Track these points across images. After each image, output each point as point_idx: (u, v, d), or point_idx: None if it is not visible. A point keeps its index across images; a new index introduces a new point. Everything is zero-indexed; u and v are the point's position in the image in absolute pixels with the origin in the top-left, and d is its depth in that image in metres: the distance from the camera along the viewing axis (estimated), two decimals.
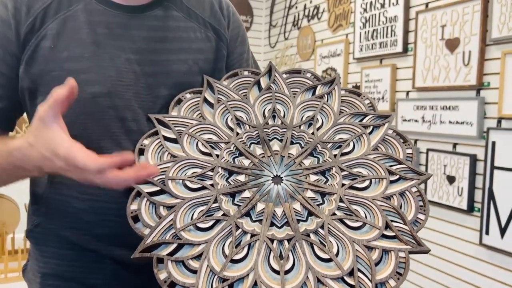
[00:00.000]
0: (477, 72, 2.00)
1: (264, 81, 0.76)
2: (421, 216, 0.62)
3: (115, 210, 0.63)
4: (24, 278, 0.74)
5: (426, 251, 0.59)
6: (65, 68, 0.63)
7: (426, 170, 2.27)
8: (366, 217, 0.61)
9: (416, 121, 2.34)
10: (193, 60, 0.73)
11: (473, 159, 2.05)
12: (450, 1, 2.16)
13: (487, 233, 1.98)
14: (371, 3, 2.71)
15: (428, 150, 2.30)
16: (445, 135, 2.18)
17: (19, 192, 1.30)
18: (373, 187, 0.65)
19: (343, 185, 0.64)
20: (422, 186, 0.72)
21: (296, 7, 3.64)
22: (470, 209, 2.07)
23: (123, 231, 0.61)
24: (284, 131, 0.70)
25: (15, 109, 0.68)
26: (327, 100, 0.74)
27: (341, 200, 0.63)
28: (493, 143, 1.95)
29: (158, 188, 0.62)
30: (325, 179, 0.65)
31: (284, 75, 0.77)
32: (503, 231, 1.91)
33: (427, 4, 2.33)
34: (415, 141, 2.40)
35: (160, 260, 0.57)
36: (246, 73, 0.76)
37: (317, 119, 0.72)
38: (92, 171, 0.50)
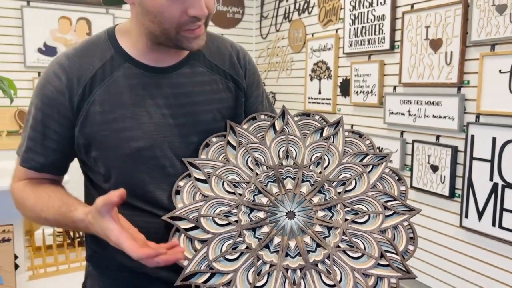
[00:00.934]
0: (458, 71, 2.13)
1: (278, 123, 0.87)
2: (411, 247, 0.75)
3: (161, 240, 0.76)
4: None
5: (414, 278, 0.73)
6: (112, 128, 0.75)
7: (412, 160, 2.44)
8: (365, 248, 0.75)
9: (402, 114, 2.48)
10: (217, 109, 0.84)
11: (454, 150, 2.20)
12: (433, 4, 2.24)
13: (466, 216, 2.16)
14: (359, 1, 2.77)
15: (413, 141, 2.45)
16: (429, 127, 2.32)
17: None
18: (371, 221, 0.78)
19: (346, 220, 0.77)
20: (413, 219, 0.84)
21: (287, 0, 3.67)
22: (452, 195, 2.25)
23: None
24: (296, 171, 0.82)
25: (67, 159, 0.81)
26: (333, 141, 0.85)
27: (344, 234, 0.76)
28: (472, 136, 2.10)
29: (193, 225, 0.76)
30: (331, 214, 0.78)
31: (296, 118, 0.88)
32: (480, 215, 2.09)
33: (412, 5, 2.40)
34: (402, 132, 2.53)
35: (197, 286, 0.71)
36: (263, 116, 0.88)
37: (324, 159, 0.84)
38: (134, 258, 0.63)
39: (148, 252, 0.62)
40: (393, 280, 0.72)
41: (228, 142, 0.84)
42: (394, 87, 2.56)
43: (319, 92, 3.25)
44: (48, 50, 3.49)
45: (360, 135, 0.86)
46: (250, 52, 4.27)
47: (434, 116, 2.32)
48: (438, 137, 2.34)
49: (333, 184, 0.81)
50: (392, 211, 0.78)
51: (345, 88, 2.99)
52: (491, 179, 2.01)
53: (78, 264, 1.58)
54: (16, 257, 1.30)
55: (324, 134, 0.86)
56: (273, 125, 0.87)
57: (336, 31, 3.06)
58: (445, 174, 2.26)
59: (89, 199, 0.83)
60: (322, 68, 3.22)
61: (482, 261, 2.14)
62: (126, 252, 0.63)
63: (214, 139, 0.84)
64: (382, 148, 2.65)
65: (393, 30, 2.54)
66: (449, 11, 2.15)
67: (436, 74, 2.25)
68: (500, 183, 2.00)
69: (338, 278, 0.72)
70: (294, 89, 3.60)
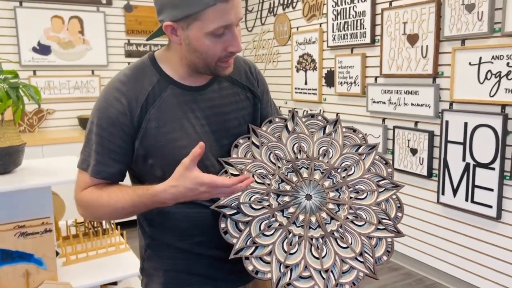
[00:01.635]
0: (433, 63, 2.38)
1: (290, 124, 1.09)
2: (399, 214, 1.00)
3: (209, 226, 0.98)
4: (142, 274, 1.09)
5: (403, 236, 0.97)
6: (166, 139, 0.95)
7: (393, 144, 2.69)
8: (366, 218, 0.99)
9: (383, 102, 2.73)
10: (241, 116, 1.06)
11: (431, 134, 2.46)
12: (410, 1, 2.46)
13: (443, 193, 2.44)
14: None
15: (394, 127, 2.70)
16: (408, 114, 2.57)
17: (61, 188, 1.63)
18: (369, 197, 1.01)
19: (350, 197, 1.01)
20: (399, 193, 1.07)
21: None
22: (429, 175, 2.52)
23: (215, 239, 0.97)
24: (309, 162, 1.05)
25: (127, 167, 1.00)
26: (334, 136, 1.08)
27: (350, 208, 0.99)
28: (447, 122, 2.36)
29: (235, 211, 0.98)
30: (339, 194, 1.02)
31: (303, 119, 1.10)
32: (455, 191, 2.37)
33: (390, 3, 2.62)
34: (383, 119, 2.78)
35: (246, 258, 0.94)
36: (277, 119, 1.09)
37: (329, 151, 1.06)
38: (228, 185, 0.84)
39: (238, 178, 0.85)
40: (389, 239, 0.96)
41: (252, 142, 1.06)
42: (376, 78, 2.80)
43: (305, 83, 3.47)
44: (42, 49, 3.56)
45: (354, 130, 1.09)
46: None
47: (412, 104, 2.58)
48: (416, 123, 2.59)
49: (338, 171, 1.04)
50: (384, 188, 1.02)
51: (330, 79, 3.21)
52: (463, 159, 2.28)
53: (104, 250, 1.74)
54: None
55: (326, 131, 1.09)
56: (286, 126, 1.09)
57: (320, 26, 3.26)
58: (423, 156, 2.52)
59: None
60: (307, 60, 3.43)
61: (457, 232, 2.43)
62: (221, 184, 0.83)
63: (241, 141, 1.06)
64: (366, 134, 2.90)
65: (373, 25, 2.75)
66: (424, 9, 2.38)
67: (413, 66, 2.49)
68: (472, 163, 2.27)
69: (350, 241, 0.96)
70: (281, 80, 3.81)
